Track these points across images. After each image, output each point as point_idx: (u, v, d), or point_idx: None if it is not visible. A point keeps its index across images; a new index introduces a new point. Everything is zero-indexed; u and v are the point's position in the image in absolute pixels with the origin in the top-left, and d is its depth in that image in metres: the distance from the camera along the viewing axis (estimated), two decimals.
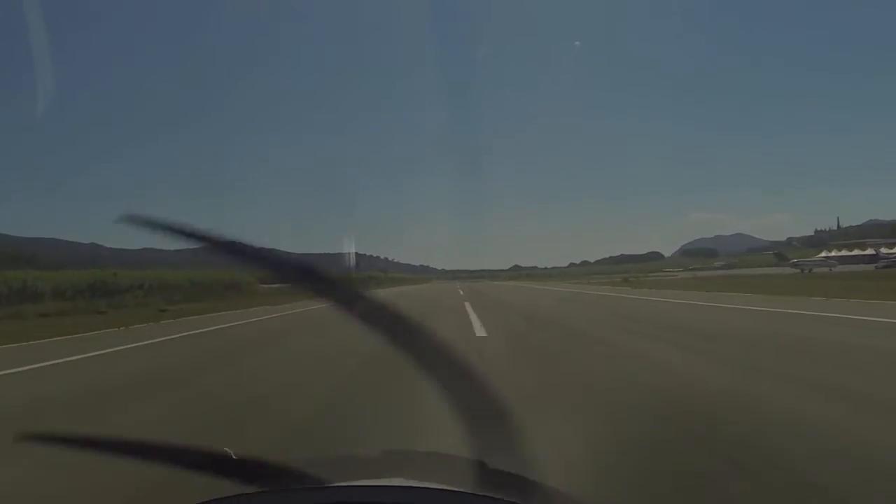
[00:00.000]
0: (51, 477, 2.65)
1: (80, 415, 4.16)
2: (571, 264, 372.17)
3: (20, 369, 6.26)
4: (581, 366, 5.75)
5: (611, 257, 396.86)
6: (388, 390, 4.50)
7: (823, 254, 78.82)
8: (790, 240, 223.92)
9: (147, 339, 9.22)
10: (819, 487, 2.29)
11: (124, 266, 43.98)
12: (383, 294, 33.86)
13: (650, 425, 3.34)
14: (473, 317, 12.02)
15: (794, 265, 58.82)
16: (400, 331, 1.02)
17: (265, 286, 46.72)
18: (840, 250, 79.69)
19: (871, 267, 49.00)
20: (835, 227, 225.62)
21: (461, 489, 0.93)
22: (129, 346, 8.49)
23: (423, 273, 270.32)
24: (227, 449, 1.01)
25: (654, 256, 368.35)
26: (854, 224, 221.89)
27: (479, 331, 9.08)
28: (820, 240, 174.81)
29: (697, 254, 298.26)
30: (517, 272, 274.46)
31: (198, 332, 10.79)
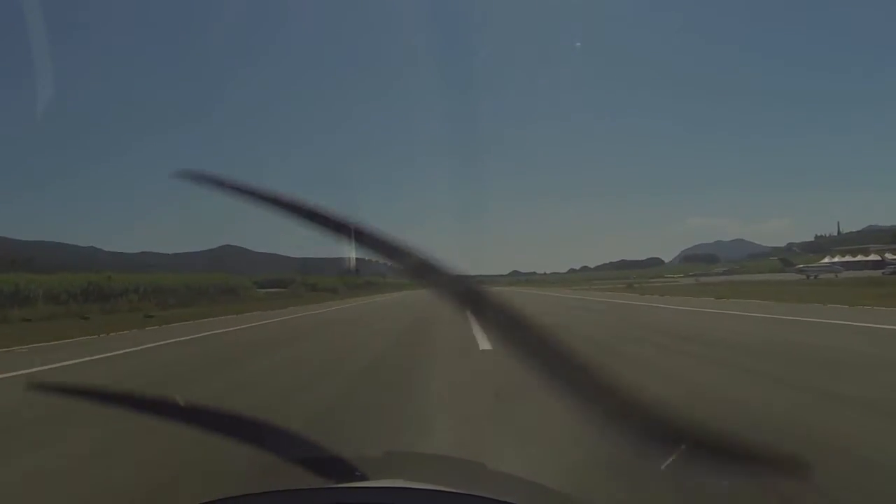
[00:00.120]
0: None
1: None
2: (571, 270, 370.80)
3: None
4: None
5: (611, 263, 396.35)
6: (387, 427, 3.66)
7: (827, 259, 78.11)
8: (790, 245, 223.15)
9: (112, 351, 8.28)
10: None
11: (123, 269, 43.74)
12: (381, 300, 33.43)
13: None
14: (475, 327, 11.22)
15: (800, 271, 58.17)
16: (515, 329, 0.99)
17: (263, 291, 46.24)
18: (844, 256, 78.94)
19: (877, 273, 48.26)
20: (835, 233, 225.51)
21: (461, 490, 0.92)
22: (82, 359, 7.46)
23: None
24: (176, 398, 1.21)
25: (655, 262, 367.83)
26: (854, 230, 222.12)
27: (483, 342, 7.75)
28: (820, 246, 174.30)
29: (698, 260, 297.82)
30: (516, 278, 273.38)
31: (175, 341, 9.99)
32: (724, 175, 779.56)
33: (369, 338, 9.91)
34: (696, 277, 69.45)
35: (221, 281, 38.31)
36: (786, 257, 76.11)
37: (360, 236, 0.93)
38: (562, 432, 3.05)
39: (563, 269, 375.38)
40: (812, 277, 49.02)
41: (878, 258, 65.65)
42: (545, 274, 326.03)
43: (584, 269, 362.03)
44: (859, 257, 75.47)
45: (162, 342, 9.60)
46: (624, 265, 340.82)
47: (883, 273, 46.86)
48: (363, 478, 1.10)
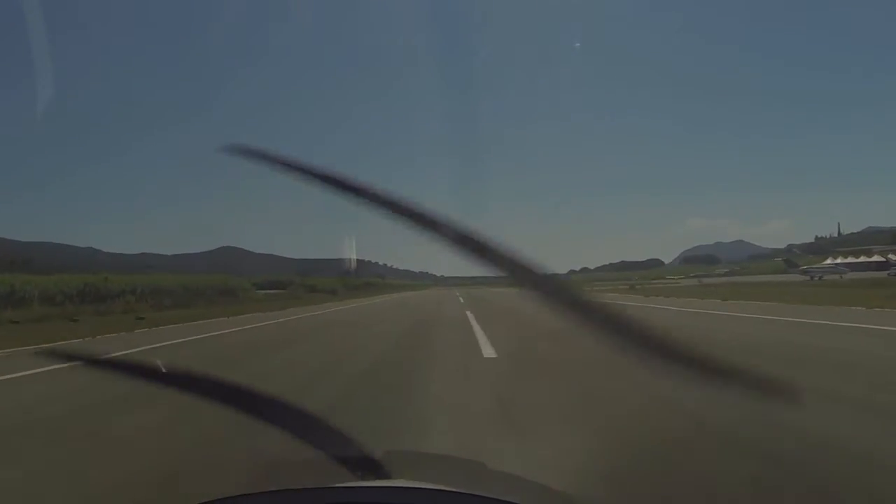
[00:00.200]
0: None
1: None
2: (571, 271, 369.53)
3: None
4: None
5: (610, 264, 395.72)
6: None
7: (829, 260, 77.63)
8: (790, 247, 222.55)
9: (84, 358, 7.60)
10: None
11: (123, 270, 43.46)
12: (381, 301, 32.79)
13: None
14: (478, 331, 10.76)
15: (804, 272, 57.75)
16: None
17: (261, 292, 45.72)
18: (846, 257, 78.50)
19: (881, 274, 47.87)
20: (835, 234, 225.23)
21: (461, 490, 0.92)
22: (39, 369, 6.52)
23: (422, 279, 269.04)
24: (158, 362, 1.20)
25: (655, 263, 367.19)
26: (853, 231, 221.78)
27: (487, 350, 7.25)
28: (821, 247, 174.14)
29: (698, 261, 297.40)
30: None
31: (164, 345, 9.38)
32: (724, 176, 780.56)
33: (369, 340, 9.44)
34: (699, 279, 68.89)
35: (219, 282, 37.88)
36: (790, 258, 75.46)
37: (422, 220, 0.87)
38: (586, 460, 2.61)
39: (563, 271, 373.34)
40: (817, 279, 48.58)
41: (882, 259, 65.27)
42: None
43: (584, 270, 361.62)
44: (862, 258, 75.10)
45: (148, 346, 9.09)
46: (624, 266, 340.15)
47: (888, 274, 46.44)
48: (363, 477, 1.11)
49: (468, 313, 15.63)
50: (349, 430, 1.48)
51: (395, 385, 5.07)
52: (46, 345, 9.49)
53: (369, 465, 1.23)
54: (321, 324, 15.06)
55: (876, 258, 69.54)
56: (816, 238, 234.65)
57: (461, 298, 31.59)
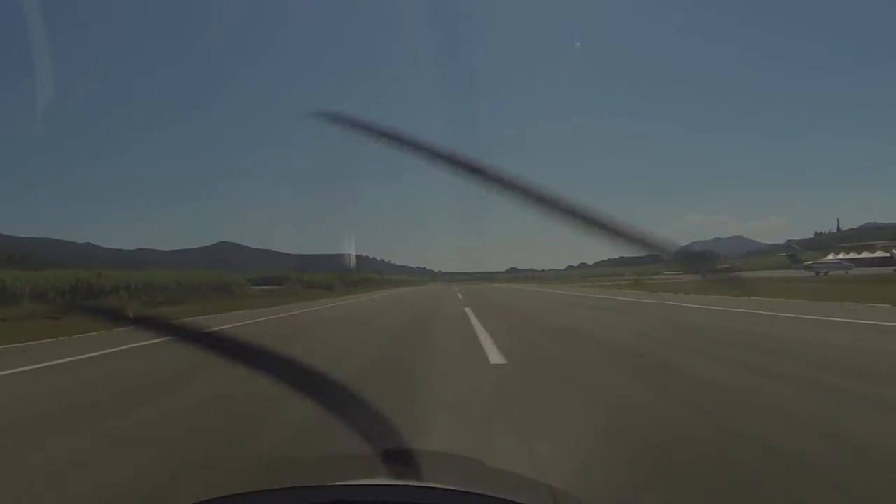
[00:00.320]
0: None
1: None
2: (569, 267, 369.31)
3: None
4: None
5: (609, 260, 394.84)
6: None
7: (831, 256, 77.07)
8: (789, 243, 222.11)
9: (50, 361, 6.90)
10: None
11: (120, 266, 42.83)
12: (379, 297, 32.23)
13: None
14: (481, 331, 10.07)
15: (808, 268, 57.24)
16: None
17: (257, 288, 45.01)
18: (848, 253, 77.89)
19: (887, 270, 47.33)
20: (835, 230, 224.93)
21: (461, 489, 0.91)
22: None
23: (420, 275, 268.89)
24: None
25: (654, 259, 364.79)
26: (852, 227, 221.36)
27: (495, 356, 6.24)
28: (820, 243, 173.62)
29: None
30: (514, 275, 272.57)
31: (145, 344, 8.54)
32: (723, 173, 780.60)
33: (369, 335, 8.79)
34: (701, 274, 68.16)
35: (215, 278, 37.23)
36: (794, 254, 74.79)
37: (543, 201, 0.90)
38: None
39: (562, 266, 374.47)
40: (822, 274, 48.07)
41: (886, 255, 64.78)
42: (543, 271, 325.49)
43: (583, 265, 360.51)
44: (864, 254, 74.58)
45: (129, 345, 8.36)
46: (623, 262, 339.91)
47: (895, 270, 45.90)
48: (363, 476, 1.10)
49: (467, 310, 15.01)
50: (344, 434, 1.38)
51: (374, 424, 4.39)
52: (7, 345, 8.80)
53: (369, 465, 1.23)
54: (315, 320, 14.47)
55: (879, 254, 69.02)
56: (816, 234, 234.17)
57: (459, 294, 31.03)
